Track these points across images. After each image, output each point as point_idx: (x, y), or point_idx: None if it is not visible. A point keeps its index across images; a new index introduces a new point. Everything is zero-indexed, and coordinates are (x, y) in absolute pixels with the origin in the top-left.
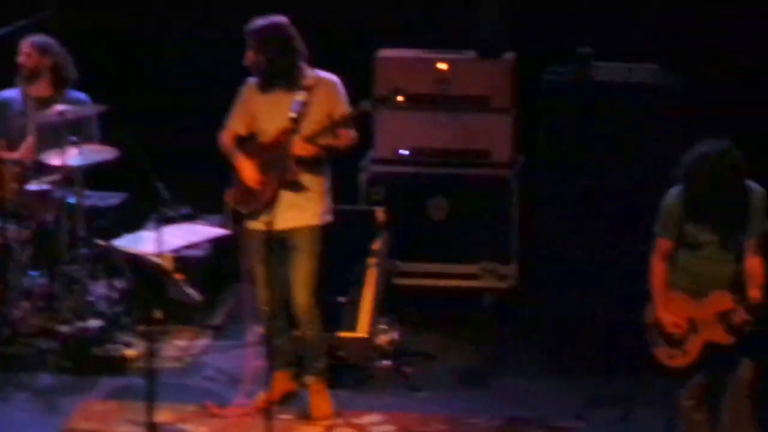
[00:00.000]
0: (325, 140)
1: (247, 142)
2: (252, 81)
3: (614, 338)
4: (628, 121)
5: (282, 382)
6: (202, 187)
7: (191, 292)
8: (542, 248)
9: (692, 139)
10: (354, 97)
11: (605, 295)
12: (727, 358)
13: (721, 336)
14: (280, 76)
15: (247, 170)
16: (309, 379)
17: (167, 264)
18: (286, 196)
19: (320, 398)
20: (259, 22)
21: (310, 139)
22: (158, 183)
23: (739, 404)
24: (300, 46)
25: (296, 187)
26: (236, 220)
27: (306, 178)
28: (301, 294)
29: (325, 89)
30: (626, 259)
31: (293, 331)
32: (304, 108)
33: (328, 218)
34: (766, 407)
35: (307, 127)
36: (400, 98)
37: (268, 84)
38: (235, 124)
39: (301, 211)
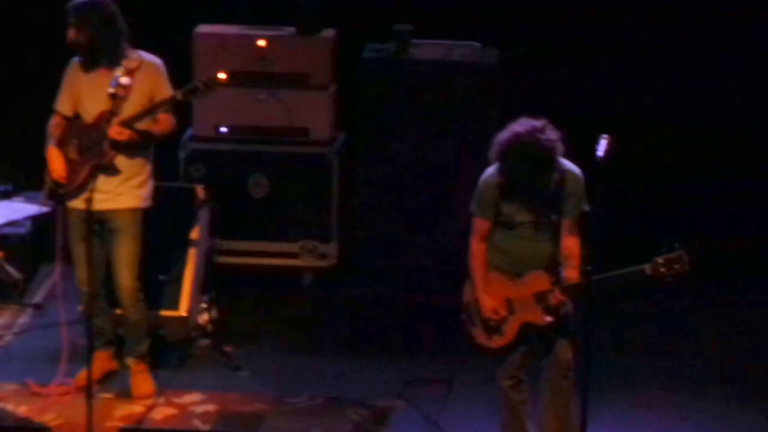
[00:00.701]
0: (144, 125)
1: (72, 122)
2: (76, 60)
3: (435, 317)
4: (447, 99)
5: (102, 361)
6: (21, 163)
7: (11, 270)
8: (362, 227)
9: (510, 117)
10: (174, 76)
11: (425, 272)
12: (545, 339)
13: (538, 317)
14: (102, 54)
15: (54, 161)
16: (130, 361)
17: None
18: (105, 178)
19: (141, 378)
20: None
21: (126, 123)
22: None
23: (557, 385)
24: (122, 23)
25: (111, 170)
26: (52, 197)
27: (124, 162)
28: (125, 277)
29: (147, 71)
30: (445, 238)
31: (113, 310)
32: (124, 89)
33: (150, 202)
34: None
35: (128, 109)
36: (222, 76)
37: (89, 63)
38: (62, 107)
39: (119, 194)
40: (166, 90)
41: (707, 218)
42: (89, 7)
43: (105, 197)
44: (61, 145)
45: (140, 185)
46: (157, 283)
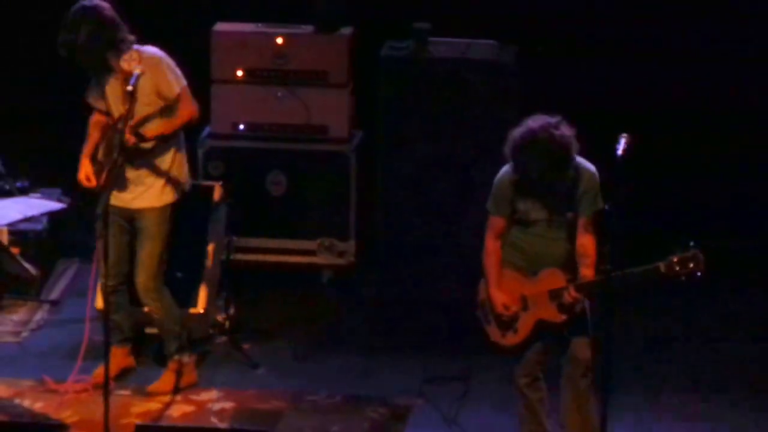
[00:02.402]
0: (157, 126)
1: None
2: None
3: (453, 314)
4: (465, 97)
5: (118, 357)
6: (38, 160)
7: (27, 266)
8: (380, 224)
9: (529, 115)
10: (193, 72)
11: (444, 271)
12: (561, 337)
13: (552, 314)
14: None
15: (80, 170)
16: (168, 360)
17: (2, 238)
18: (129, 177)
19: (164, 377)
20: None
21: (136, 128)
22: None
23: (576, 384)
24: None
25: (125, 171)
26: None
27: (144, 161)
28: (140, 274)
29: (148, 66)
30: (465, 235)
31: (139, 308)
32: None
33: (169, 198)
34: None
35: (140, 110)
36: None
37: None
38: (95, 103)
39: (140, 192)
40: (168, 83)
41: (727, 216)
42: (79, 13)
43: (127, 196)
44: (98, 145)
45: (160, 184)
46: (175, 280)
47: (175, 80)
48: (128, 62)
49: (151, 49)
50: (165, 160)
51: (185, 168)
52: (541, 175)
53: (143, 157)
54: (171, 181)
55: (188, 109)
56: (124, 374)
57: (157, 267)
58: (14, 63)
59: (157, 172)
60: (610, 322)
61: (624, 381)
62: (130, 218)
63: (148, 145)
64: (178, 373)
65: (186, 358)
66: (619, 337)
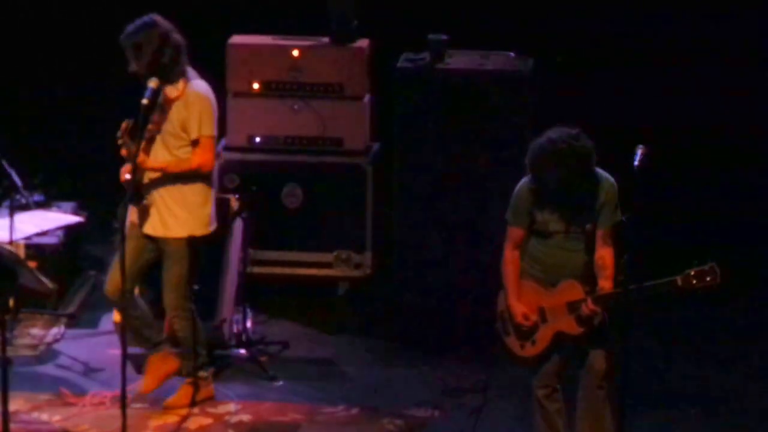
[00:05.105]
0: (164, 158)
1: None
2: None
3: (470, 327)
4: (482, 109)
5: (156, 365)
6: (55, 174)
7: (44, 280)
8: (397, 236)
9: (546, 127)
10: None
11: (460, 283)
12: (580, 349)
13: (570, 326)
14: (165, 75)
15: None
16: (186, 375)
17: (19, 252)
18: (156, 204)
19: (183, 391)
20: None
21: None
22: (10, 169)
23: (592, 395)
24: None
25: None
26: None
27: (166, 189)
28: (167, 296)
29: (187, 101)
30: (481, 247)
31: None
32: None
33: (196, 230)
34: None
35: (160, 137)
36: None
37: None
38: None
39: (163, 221)
40: (196, 126)
41: (744, 228)
42: (142, 33)
43: (152, 222)
44: None
45: (184, 215)
46: (193, 293)
47: (205, 125)
48: (171, 88)
49: (200, 83)
50: (188, 191)
51: (211, 207)
52: (561, 186)
53: (167, 183)
54: (196, 215)
55: (202, 158)
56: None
57: (185, 287)
58: (34, 77)
59: (183, 202)
60: (628, 334)
61: (641, 393)
62: (155, 241)
63: (150, 167)
64: (196, 388)
65: (204, 373)
66: (636, 350)
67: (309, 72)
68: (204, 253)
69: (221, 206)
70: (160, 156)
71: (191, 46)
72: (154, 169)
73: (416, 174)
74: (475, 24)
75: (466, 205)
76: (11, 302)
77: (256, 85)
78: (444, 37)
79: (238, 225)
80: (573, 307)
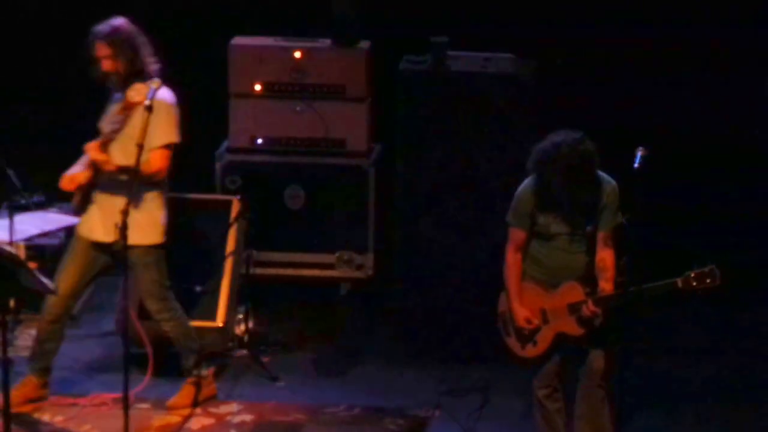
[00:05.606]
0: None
1: None
2: None
3: (471, 327)
4: (484, 111)
5: (30, 387)
6: (55, 174)
7: (45, 281)
8: (399, 238)
9: (547, 129)
10: (211, 88)
11: (462, 283)
12: (580, 349)
13: (571, 327)
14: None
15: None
16: (186, 375)
17: (20, 253)
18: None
19: (185, 391)
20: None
21: (105, 146)
22: (10, 170)
23: (590, 395)
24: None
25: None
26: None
27: (123, 194)
28: (147, 303)
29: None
30: (483, 248)
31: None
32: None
33: (155, 239)
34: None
35: (118, 139)
36: None
37: (121, 87)
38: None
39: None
40: (159, 133)
41: (744, 228)
42: (119, 34)
43: (106, 228)
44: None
45: (146, 222)
46: (193, 294)
47: (169, 133)
48: (134, 92)
49: (165, 91)
50: (151, 198)
51: (164, 213)
52: (564, 189)
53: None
54: (152, 221)
55: (159, 165)
56: (27, 404)
57: (160, 290)
58: (31, 78)
59: (140, 208)
60: (627, 335)
61: (641, 393)
62: (109, 247)
63: (111, 167)
64: (197, 387)
65: (204, 372)
66: (636, 350)
67: (311, 73)
68: (204, 253)
69: (224, 207)
70: (116, 159)
71: (193, 48)
72: (116, 171)
73: (418, 176)
74: (477, 26)
75: (468, 207)
76: (12, 303)
77: (258, 87)
78: (446, 39)
79: (240, 226)
80: (574, 308)
